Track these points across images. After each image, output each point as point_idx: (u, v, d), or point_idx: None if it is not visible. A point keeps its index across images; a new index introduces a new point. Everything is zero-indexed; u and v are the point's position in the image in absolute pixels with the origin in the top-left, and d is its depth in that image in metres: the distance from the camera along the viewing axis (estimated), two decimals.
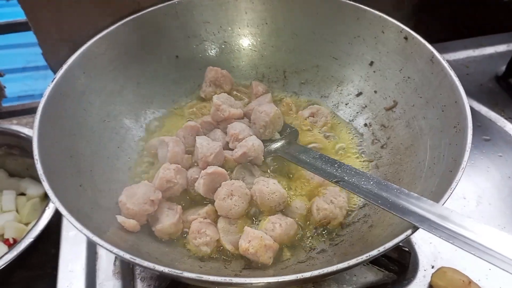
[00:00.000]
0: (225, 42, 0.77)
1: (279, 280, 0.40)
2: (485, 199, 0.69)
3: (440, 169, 0.53)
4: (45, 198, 0.81)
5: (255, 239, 0.52)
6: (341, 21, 0.71)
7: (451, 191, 0.47)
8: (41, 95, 0.57)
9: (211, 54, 0.77)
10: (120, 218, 0.53)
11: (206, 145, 0.60)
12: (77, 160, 0.57)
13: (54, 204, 0.47)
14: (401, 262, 0.60)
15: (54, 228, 0.72)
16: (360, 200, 0.60)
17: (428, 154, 0.57)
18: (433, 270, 0.60)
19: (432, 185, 0.52)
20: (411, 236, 0.62)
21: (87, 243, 0.66)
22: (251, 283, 0.40)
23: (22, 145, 0.81)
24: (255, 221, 0.58)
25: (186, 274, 0.40)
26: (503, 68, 0.87)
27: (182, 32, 0.74)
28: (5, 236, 0.77)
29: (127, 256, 0.41)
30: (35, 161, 0.50)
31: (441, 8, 0.97)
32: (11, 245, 0.77)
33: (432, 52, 0.61)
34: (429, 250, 0.63)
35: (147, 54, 0.72)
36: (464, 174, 0.65)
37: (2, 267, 0.62)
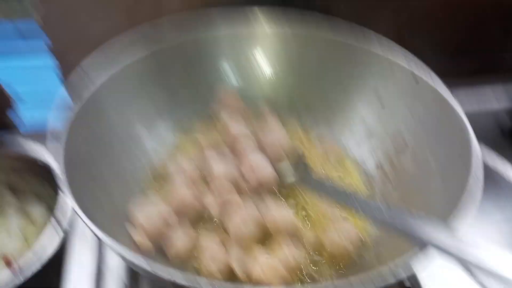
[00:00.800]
0: (241, 76, 0.80)
1: None
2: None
3: (454, 197, 0.54)
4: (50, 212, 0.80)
5: (270, 270, 0.52)
6: (356, 65, 0.75)
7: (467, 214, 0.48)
8: None
9: (224, 82, 0.80)
10: (137, 238, 0.54)
11: (222, 171, 0.62)
12: (98, 181, 0.59)
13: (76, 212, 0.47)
14: None
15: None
16: (371, 236, 0.61)
17: (440, 186, 0.59)
18: None
19: (447, 213, 0.52)
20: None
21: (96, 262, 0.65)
22: None
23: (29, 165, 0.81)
24: (268, 250, 0.58)
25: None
26: None
27: (203, 64, 0.78)
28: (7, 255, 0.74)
29: (146, 266, 0.42)
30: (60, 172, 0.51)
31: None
32: (12, 266, 0.76)
33: (439, 92, 0.64)
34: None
35: (168, 83, 0.75)
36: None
37: None
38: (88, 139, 0.60)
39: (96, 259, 0.66)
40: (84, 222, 0.46)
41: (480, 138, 0.68)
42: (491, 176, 0.81)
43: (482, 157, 0.54)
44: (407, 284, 0.64)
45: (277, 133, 0.71)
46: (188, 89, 0.77)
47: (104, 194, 0.59)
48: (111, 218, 0.56)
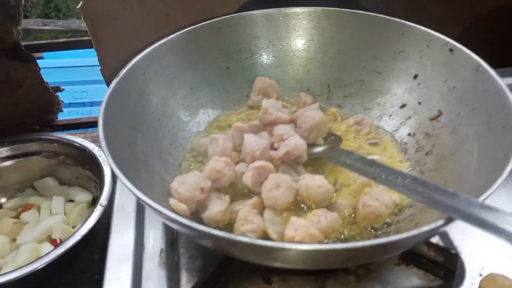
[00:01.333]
0: (273, 56, 0.81)
1: (329, 248, 0.40)
2: None
3: (488, 170, 0.53)
4: (92, 204, 0.84)
5: (301, 228, 0.53)
6: (386, 38, 0.75)
7: (495, 187, 0.46)
8: (99, 103, 0.62)
9: (259, 67, 0.81)
10: (172, 201, 0.56)
11: (253, 142, 0.63)
12: (134, 149, 0.61)
13: (118, 176, 0.50)
14: (448, 266, 0.58)
15: (98, 235, 0.74)
16: (406, 200, 0.61)
17: (476, 158, 0.57)
18: (481, 278, 0.58)
19: (479, 185, 0.51)
20: (458, 245, 0.62)
21: (134, 233, 0.68)
22: (303, 249, 0.41)
23: (75, 155, 0.85)
24: (301, 214, 0.59)
25: (240, 238, 0.41)
26: None
27: (234, 45, 0.79)
28: (53, 237, 0.79)
29: (184, 220, 0.43)
30: (101, 141, 0.54)
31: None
32: (57, 245, 0.80)
33: (478, 61, 0.63)
34: (477, 258, 0.61)
35: (201, 63, 0.77)
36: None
37: (48, 263, 0.64)
38: (124, 113, 0.64)
39: (134, 235, 0.69)
40: (123, 182, 0.49)
41: None
42: None
43: None
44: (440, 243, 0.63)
45: (309, 108, 0.72)
46: (223, 71, 0.79)
47: (143, 166, 0.62)
48: (149, 188, 0.58)
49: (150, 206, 0.47)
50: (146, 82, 0.69)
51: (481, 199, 0.44)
